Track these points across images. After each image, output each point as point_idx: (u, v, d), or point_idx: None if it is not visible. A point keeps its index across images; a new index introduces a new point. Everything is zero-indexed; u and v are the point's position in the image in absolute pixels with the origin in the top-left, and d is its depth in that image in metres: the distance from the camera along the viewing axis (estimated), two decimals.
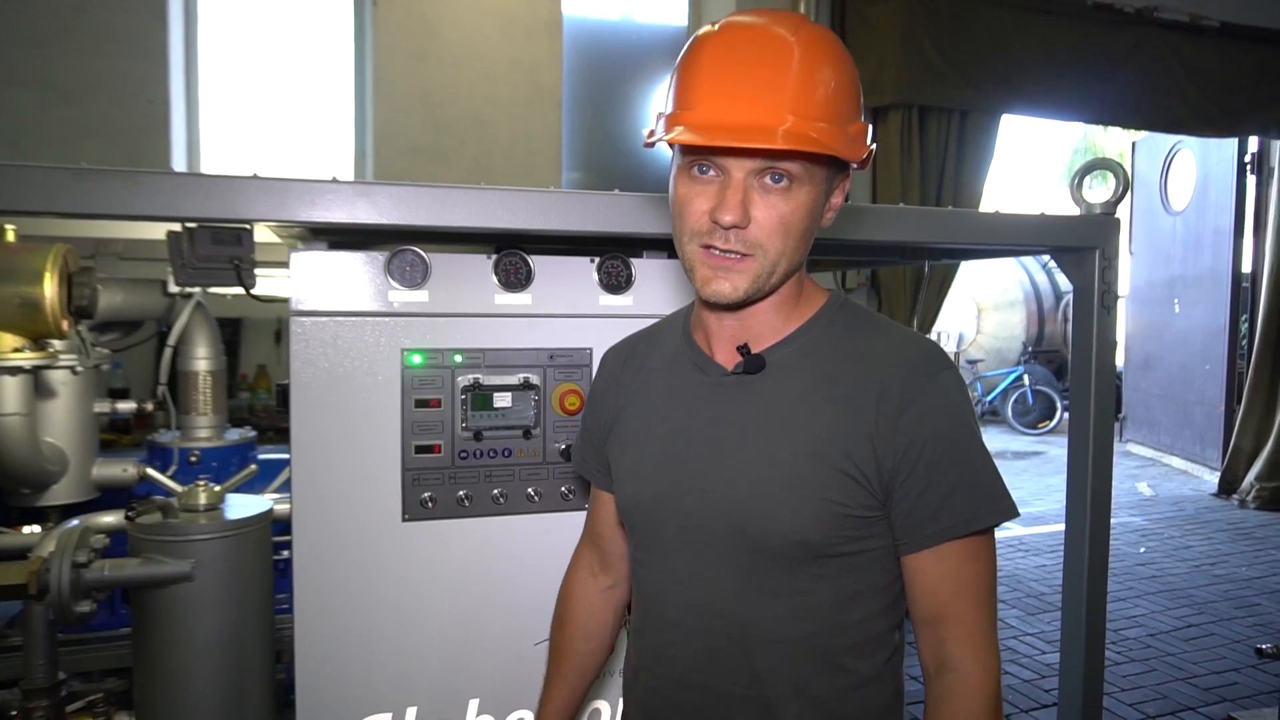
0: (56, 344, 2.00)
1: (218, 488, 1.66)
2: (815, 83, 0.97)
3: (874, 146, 1.03)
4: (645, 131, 1.05)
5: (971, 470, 1.03)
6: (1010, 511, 1.04)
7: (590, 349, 1.65)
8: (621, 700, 1.31)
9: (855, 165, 1.03)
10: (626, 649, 1.29)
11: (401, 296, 1.55)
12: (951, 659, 1.04)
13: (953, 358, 4.09)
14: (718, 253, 1.00)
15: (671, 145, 1.03)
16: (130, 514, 1.59)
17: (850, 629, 1.07)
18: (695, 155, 1.00)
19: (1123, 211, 2.06)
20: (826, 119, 0.97)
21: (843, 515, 1.03)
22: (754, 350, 1.08)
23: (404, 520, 1.56)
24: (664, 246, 1.79)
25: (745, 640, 1.07)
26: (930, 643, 1.07)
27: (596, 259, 1.66)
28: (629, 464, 1.18)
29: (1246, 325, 7.48)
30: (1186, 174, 7.90)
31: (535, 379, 1.62)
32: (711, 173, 1.00)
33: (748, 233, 0.99)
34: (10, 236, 1.95)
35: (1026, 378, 10.50)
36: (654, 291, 1.69)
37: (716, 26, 1.01)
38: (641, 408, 1.18)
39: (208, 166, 4.61)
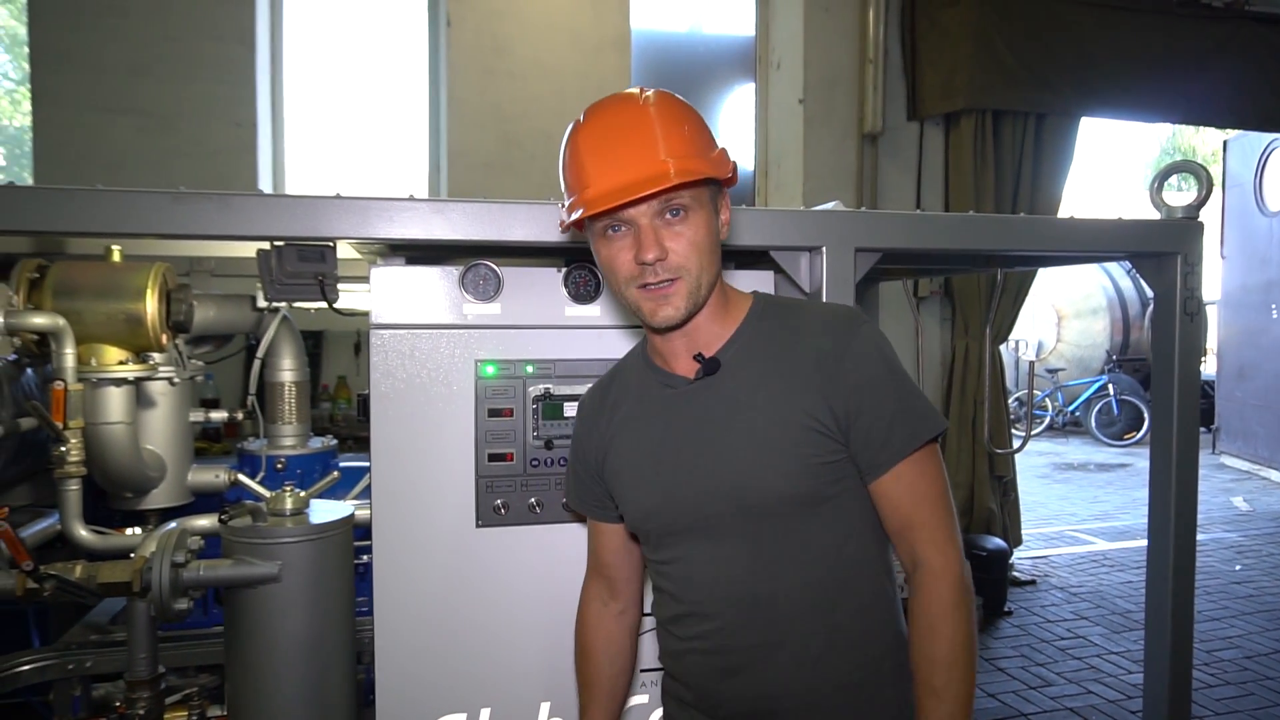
0: (156, 356, 2.12)
1: (303, 493, 1.74)
2: (675, 130, 1.18)
3: (735, 162, 1.23)
4: (559, 223, 1.27)
5: (903, 398, 1.23)
6: (940, 424, 1.24)
7: None
8: (663, 689, 1.44)
9: (727, 185, 1.24)
10: (661, 643, 1.40)
11: (475, 309, 1.61)
12: (919, 556, 1.23)
13: (1030, 366, 3.93)
14: (652, 287, 1.19)
15: (585, 223, 1.22)
16: (223, 517, 1.67)
17: (849, 561, 1.25)
18: (605, 221, 1.20)
19: (1214, 213, 1.99)
20: (694, 154, 1.18)
21: (818, 464, 1.21)
22: (706, 356, 1.26)
23: (478, 526, 1.61)
24: (730, 258, 1.81)
25: (769, 595, 1.24)
26: (904, 549, 1.26)
27: None
28: (630, 486, 1.33)
29: None
30: None
31: None
32: (622, 229, 1.20)
33: (669, 262, 1.18)
34: (116, 257, 2.08)
35: (1111, 387, 10.12)
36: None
37: (583, 117, 1.22)
38: (627, 435, 1.34)
39: (292, 185, 4.81)
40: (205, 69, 4.39)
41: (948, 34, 4.90)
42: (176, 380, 2.18)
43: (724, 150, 1.23)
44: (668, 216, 1.18)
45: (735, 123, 5.49)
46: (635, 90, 1.23)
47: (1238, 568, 5.43)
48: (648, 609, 1.47)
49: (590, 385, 1.48)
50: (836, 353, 1.22)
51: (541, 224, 1.57)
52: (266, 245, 1.62)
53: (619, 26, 4.91)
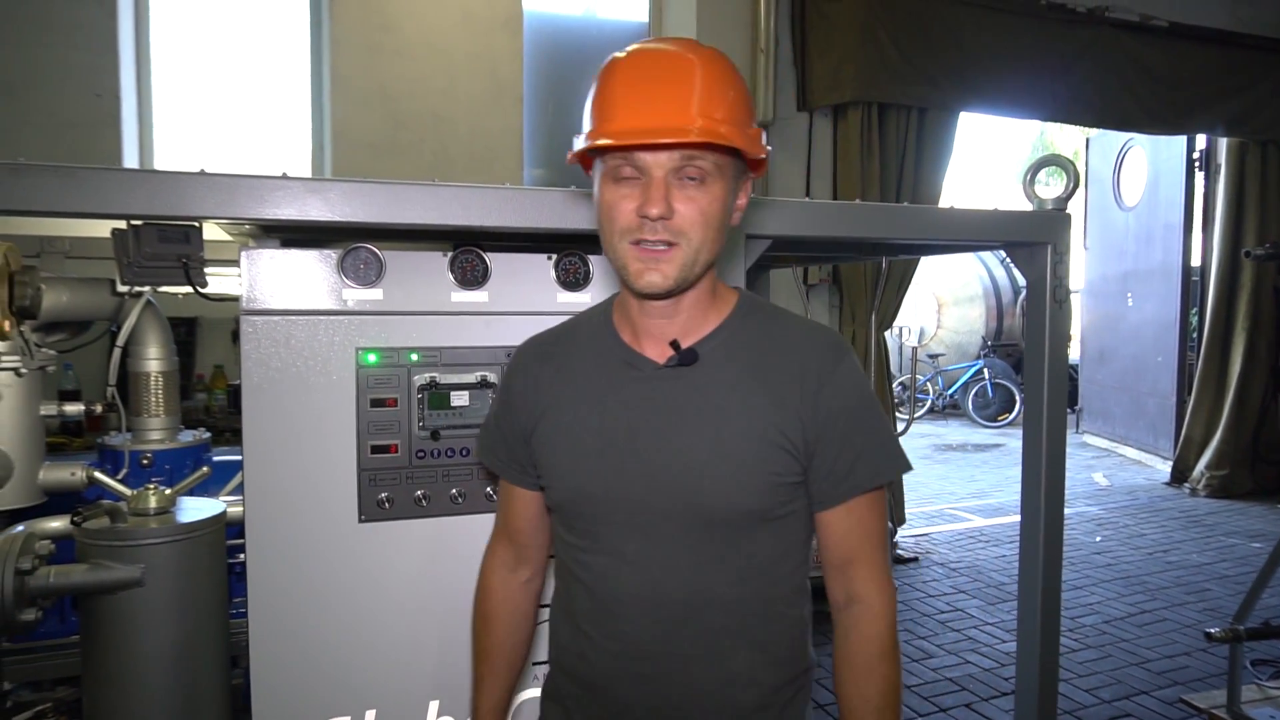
0: None
1: (168, 490, 1.63)
2: (717, 91, 1.10)
3: (770, 149, 1.16)
4: (569, 154, 1.16)
5: (875, 436, 1.21)
6: (906, 466, 1.25)
7: None
8: (547, 687, 1.34)
9: (754, 174, 1.18)
10: (555, 635, 1.32)
11: (356, 295, 1.53)
12: (859, 593, 1.22)
13: (913, 352, 4.13)
14: (648, 245, 1.11)
15: (593, 158, 1.14)
16: (76, 519, 1.55)
17: (782, 581, 1.23)
18: (618, 161, 1.10)
19: (1077, 207, 2.10)
20: (730, 121, 1.09)
21: (780, 484, 1.18)
22: (683, 345, 1.19)
23: (360, 521, 1.54)
24: None
25: (699, 604, 1.18)
26: (840, 581, 1.24)
27: (554, 256, 1.65)
28: (565, 460, 1.23)
29: (1196, 318, 7.66)
30: (1138, 171, 8.07)
31: (493, 377, 1.61)
32: (634, 177, 1.10)
33: (672, 223, 1.10)
34: None
35: (986, 371, 10.67)
36: (612, 288, 1.68)
37: (625, 53, 1.13)
38: (570, 405, 1.24)
39: (161, 162, 4.50)
40: (59, 33, 4.05)
41: (836, 27, 5.01)
42: (23, 371, 2.01)
43: (760, 132, 1.15)
44: (685, 179, 1.10)
45: None
46: (689, 40, 1.15)
47: (1098, 539, 5.82)
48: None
49: (529, 337, 1.35)
50: (820, 377, 1.18)
51: (426, 206, 1.51)
52: (123, 225, 1.50)
53: (511, 7, 4.81)
